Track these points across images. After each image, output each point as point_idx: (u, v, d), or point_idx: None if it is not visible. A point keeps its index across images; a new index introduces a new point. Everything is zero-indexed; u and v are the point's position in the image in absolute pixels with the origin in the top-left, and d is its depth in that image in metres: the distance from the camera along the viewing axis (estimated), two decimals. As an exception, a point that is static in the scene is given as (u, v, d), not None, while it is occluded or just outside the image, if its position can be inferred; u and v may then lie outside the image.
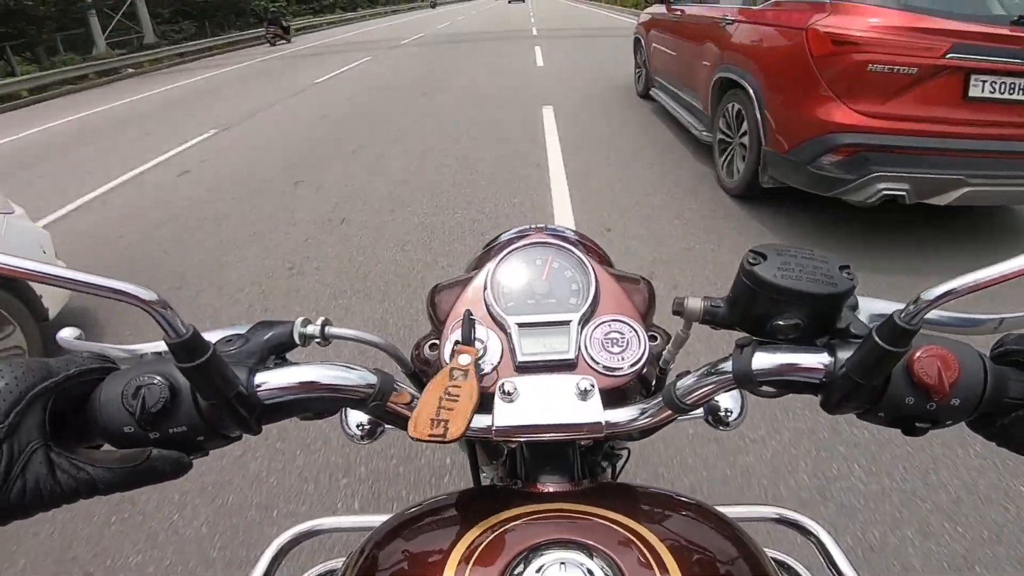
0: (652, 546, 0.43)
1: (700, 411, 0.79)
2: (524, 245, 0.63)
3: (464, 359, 0.50)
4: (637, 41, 7.24)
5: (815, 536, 0.67)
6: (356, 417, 0.79)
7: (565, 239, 0.66)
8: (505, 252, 0.63)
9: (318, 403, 0.47)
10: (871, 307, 0.50)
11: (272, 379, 0.45)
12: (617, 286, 0.61)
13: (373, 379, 0.46)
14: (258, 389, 0.44)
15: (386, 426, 0.81)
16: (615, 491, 0.59)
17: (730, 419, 0.78)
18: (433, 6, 46.76)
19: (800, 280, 0.44)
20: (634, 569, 0.41)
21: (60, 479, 0.38)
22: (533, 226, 0.75)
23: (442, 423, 0.44)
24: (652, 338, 0.60)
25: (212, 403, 0.42)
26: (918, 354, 0.41)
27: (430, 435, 0.43)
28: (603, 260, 0.80)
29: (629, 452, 0.88)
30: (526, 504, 0.49)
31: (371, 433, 0.80)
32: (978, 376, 0.42)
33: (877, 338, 0.39)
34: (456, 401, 0.46)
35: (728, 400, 0.79)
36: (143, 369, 0.43)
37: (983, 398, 0.42)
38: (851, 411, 0.45)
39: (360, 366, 0.47)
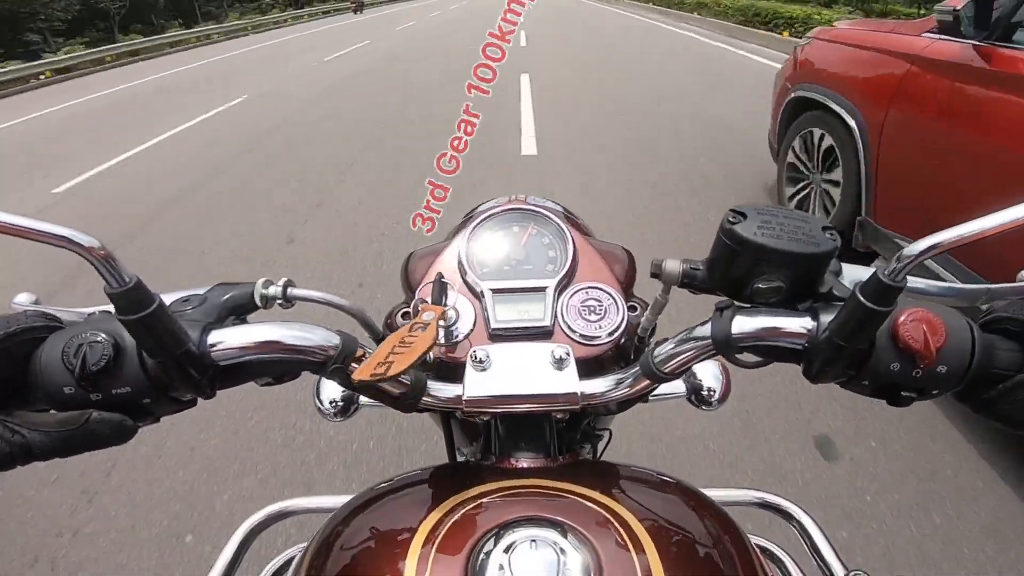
0: (629, 526, 0.42)
1: (682, 389, 0.78)
2: (501, 211, 0.61)
3: (427, 315, 0.47)
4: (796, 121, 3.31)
5: (797, 521, 0.65)
6: (329, 392, 0.77)
7: (545, 208, 0.64)
8: (481, 218, 0.61)
9: (277, 365, 0.44)
10: (855, 274, 0.48)
11: (227, 338, 0.42)
12: (596, 254, 0.59)
13: (336, 340, 0.44)
14: (212, 349, 0.41)
15: (361, 403, 0.78)
16: (592, 468, 0.57)
17: (712, 398, 0.77)
18: (358, 9, 33.60)
19: (781, 239, 0.42)
20: (610, 549, 0.40)
21: None
22: (513, 196, 0.73)
23: (386, 364, 0.41)
24: (632, 308, 0.58)
25: (159, 362, 0.39)
26: (903, 317, 0.39)
27: (372, 375, 0.40)
28: (583, 230, 0.78)
29: (611, 433, 0.86)
30: (498, 480, 0.47)
31: (344, 410, 0.78)
32: (965, 342, 0.40)
33: (860, 296, 0.37)
34: (408, 347, 0.43)
35: (710, 378, 0.77)
36: (87, 326, 0.40)
37: (970, 367, 0.40)
38: (833, 379, 0.43)
39: (323, 327, 0.45)
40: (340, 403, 0.77)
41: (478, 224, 0.60)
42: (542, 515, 0.42)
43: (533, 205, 0.64)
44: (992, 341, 0.41)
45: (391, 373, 0.40)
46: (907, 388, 0.41)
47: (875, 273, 0.37)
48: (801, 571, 0.62)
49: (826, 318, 0.42)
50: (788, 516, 0.67)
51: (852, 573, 0.53)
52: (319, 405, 0.77)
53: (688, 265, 0.47)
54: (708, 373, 0.77)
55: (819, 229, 0.43)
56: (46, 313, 0.43)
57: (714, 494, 0.67)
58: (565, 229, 0.59)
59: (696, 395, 0.77)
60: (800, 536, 0.65)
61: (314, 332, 0.44)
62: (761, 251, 0.42)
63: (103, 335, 0.39)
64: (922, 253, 0.35)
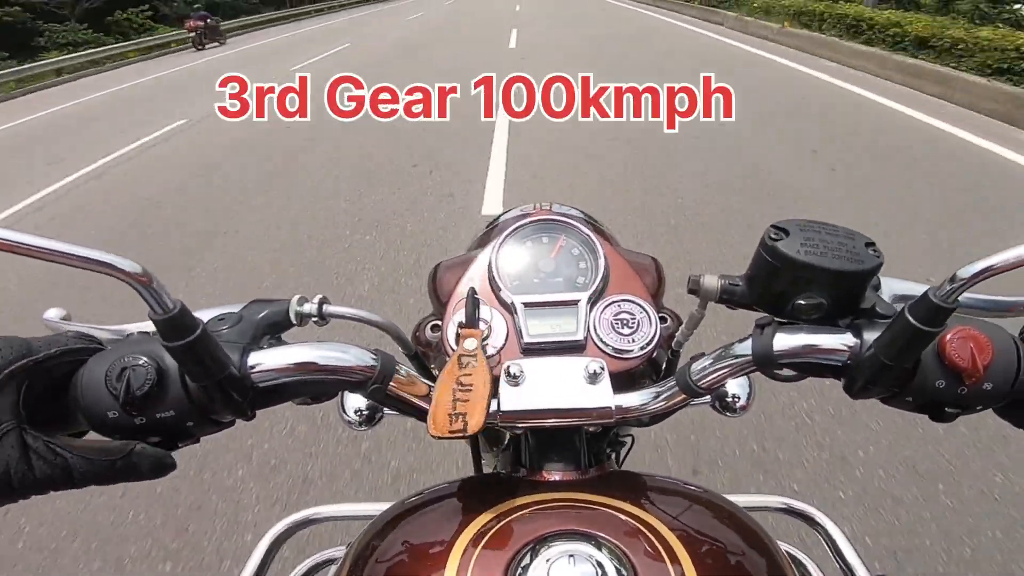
0: (663, 536, 0.42)
1: (706, 396, 0.77)
2: (530, 223, 0.61)
3: (470, 343, 0.47)
4: None
5: (822, 527, 0.65)
6: (354, 402, 0.77)
7: (571, 217, 0.63)
8: (510, 230, 0.60)
9: (315, 386, 0.44)
10: (895, 287, 0.48)
11: (266, 360, 0.42)
12: (627, 265, 0.59)
13: (373, 360, 0.44)
14: (251, 371, 0.41)
15: (386, 412, 0.78)
16: (622, 479, 0.57)
17: (737, 404, 0.76)
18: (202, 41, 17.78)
19: (824, 256, 0.42)
20: (644, 561, 0.40)
21: (34, 464, 0.35)
22: (537, 205, 0.73)
23: (460, 417, 0.42)
24: (662, 319, 0.58)
25: (202, 385, 0.39)
26: (950, 336, 0.39)
27: (450, 431, 0.42)
28: (609, 239, 0.77)
29: (633, 439, 0.86)
30: (532, 493, 0.47)
31: (370, 419, 0.78)
32: (1011, 360, 0.40)
33: (910, 316, 0.37)
34: (470, 391, 0.44)
35: (735, 385, 0.77)
36: (129, 349, 0.40)
37: (1015, 383, 0.40)
38: (877, 395, 0.43)
39: (359, 346, 0.45)
40: (365, 412, 0.77)
41: (507, 236, 0.60)
42: (577, 528, 0.42)
43: (559, 215, 0.63)
44: None
45: (472, 430, 0.42)
46: (952, 405, 0.41)
47: (926, 293, 0.37)
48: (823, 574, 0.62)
49: (869, 335, 0.41)
50: (812, 522, 0.67)
51: None
52: (344, 415, 0.77)
53: (727, 281, 0.47)
54: (734, 381, 0.77)
55: (863, 246, 0.43)
56: (87, 335, 0.43)
57: (738, 500, 0.66)
58: (595, 240, 0.59)
59: (721, 402, 0.76)
60: (824, 541, 0.65)
61: (350, 352, 0.44)
62: (804, 269, 0.42)
63: (144, 359, 0.39)
64: (976, 275, 0.35)
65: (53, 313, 0.51)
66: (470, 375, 0.45)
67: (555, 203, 0.75)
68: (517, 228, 0.60)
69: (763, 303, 0.46)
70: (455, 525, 0.44)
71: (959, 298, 0.36)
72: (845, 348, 0.42)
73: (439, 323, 0.59)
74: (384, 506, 0.55)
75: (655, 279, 0.62)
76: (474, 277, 0.57)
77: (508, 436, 0.70)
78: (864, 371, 0.41)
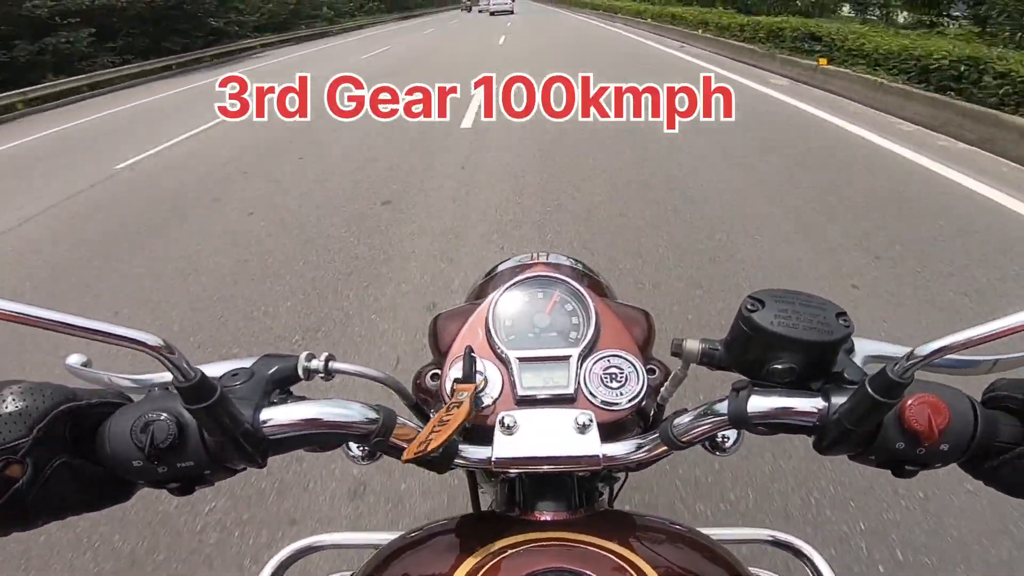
0: (645, 574, 0.45)
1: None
2: (526, 278, 0.65)
3: (462, 396, 0.51)
4: None
5: (808, 558, 0.68)
6: None
7: (566, 270, 0.67)
8: (507, 285, 0.64)
9: (322, 438, 0.48)
10: (867, 348, 0.51)
11: (277, 416, 0.46)
12: (616, 319, 0.62)
13: (375, 415, 0.48)
14: (264, 425, 0.45)
15: None
16: (612, 519, 0.60)
17: (727, 445, 0.79)
18: None
19: (796, 328, 0.45)
20: None
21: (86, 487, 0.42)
22: (535, 255, 0.76)
23: (427, 441, 0.45)
24: (651, 371, 0.61)
25: (218, 440, 0.43)
26: (910, 401, 0.42)
27: (415, 453, 0.45)
28: (603, 289, 0.81)
29: (626, 476, 0.89)
30: (525, 532, 0.51)
31: (371, 455, 0.81)
32: (968, 422, 0.43)
33: (870, 389, 0.40)
34: (445, 424, 0.47)
35: None
36: (152, 405, 0.44)
37: (972, 442, 0.43)
38: (843, 453, 0.46)
39: (362, 402, 0.48)
40: (367, 449, 0.80)
41: (504, 292, 0.63)
42: (566, 567, 0.45)
43: (554, 271, 0.67)
44: (995, 417, 0.44)
45: (431, 448, 0.45)
46: (911, 463, 0.44)
47: (884, 369, 0.40)
48: None
49: (837, 400, 0.45)
50: (799, 553, 0.69)
51: None
52: (347, 451, 0.81)
53: (707, 345, 0.51)
54: None
55: (833, 316, 0.46)
56: (115, 388, 0.47)
57: (725, 533, 0.69)
58: (587, 296, 0.62)
59: (711, 442, 0.79)
60: (811, 573, 0.67)
61: (353, 408, 0.47)
62: (777, 339, 0.45)
63: (166, 415, 0.43)
64: (931, 354, 0.38)
65: (75, 360, 0.55)
66: (451, 415, 0.48)
67: (552, 252, 0.78)
68: (513, 285, 0.64)
69: (740, 367, 0.49)
70: (451, 561, 0.47)
71: (912, 375, 0.39)
72: (815, 411, 0.45)
73: (438, 372, 0.62)
74: (387, 536, 0.59)
75: (645, 331, 0.66)
76: (472, 331, 0.61)
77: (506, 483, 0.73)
78: (831, 433, 0.44)
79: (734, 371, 0.50)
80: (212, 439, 0.43)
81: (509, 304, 0.63)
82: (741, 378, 0.49)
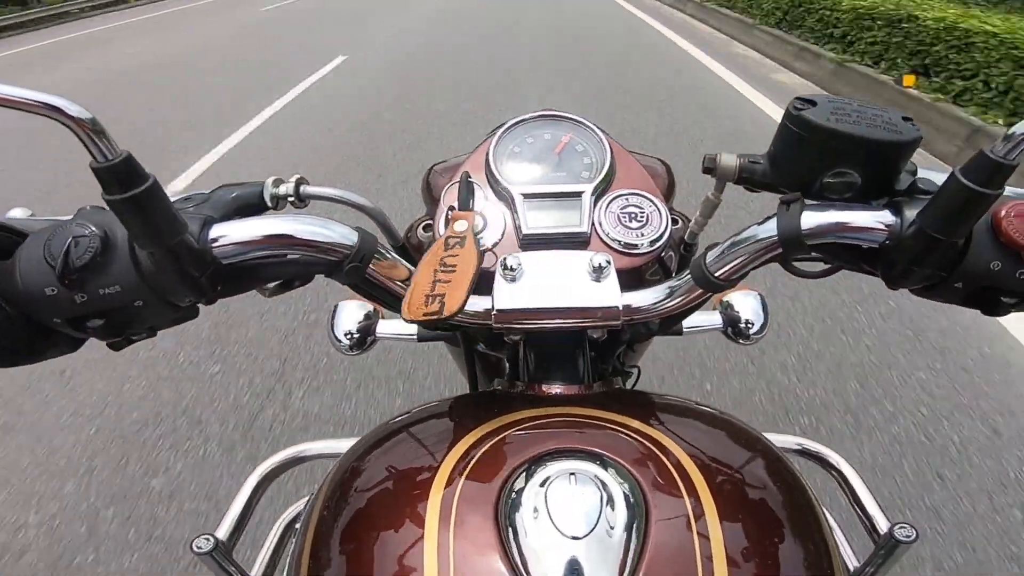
0: (679, 460, 0.37)
1: (718, 322, 0.73)
2: (532, 118, 0.56)
3: (460, 225, 0.42)
4: None
5: (837, 470, 0.61)
6: (345, 324, 0.73)
7: (576, 117, 0.58)
8: (512, 122, 0.55)
9: (287, 266, 0.40)
10: (933, 177, 0.43)
11: (232, 232, 0.37)
12: (634, 162, 0.54)
13: (353, 237, 0.39)
14: (214, 244, 0.37)
15: (378, 335, 0.75)
16: (631, 397, 0.53)
17: (751, 331, 0.72)
18: None
19: (859, 125, 0.37)
20: (657, 486, 0.35)
21: None
22: (544, 108, 0.67)
23: (437, 299, 0.37)
24: (673, 221, 0.53)
25: (151, 254, 0.34)
26: (1004, 210, 0.35)
27: (425, 314, 0.36)
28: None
29: (639, 371, 0.82)
30: (528, 408, 0.43)
31: (361, 343, 0.74)
32: None
33: (963, 178, 0.32)
34: (452, 272, 0.39)
35: (749, 310, 0.72)
36: (73, 220, 0.35)
37: None
38: (920, 282, 0.38)
39: (338, 221, 0.40)
40: (356, 335, 0.73)
41: (507, 129, 0.55)
42: (579, 446, 0.38)
43: (564, 113, 0.58)
44: None
45: (449, 311, 0.36)
46: (1007, 292, 0.36)
47: (981, 151, 0.32)
48: (838, 523, 0.58)
49: (911, 212, 0.36)
50: (828, 465, 0.63)
51: (897, 526, 0.49)
52: (334, 338, 0.74)
53: (746, 159, 0.42)
54: (747, 305, 0.73)
55: (900, 118, 0.38)
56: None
57: None
58: (601, 136, 0.53)
59: (733, 328, 0.72)
60: (840, 486, 0.60)
61: (330, 227, 0.39)
62: (837, 138, 0.37)
63: (92, 227, 0.35)
64: None
65: (17, 212, 0.46)
66: (455, 255, 0.40)
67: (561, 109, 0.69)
68: (519, 122, 0.55)
69: (787, 182, 0.41)
70: (442, 447, 0.40)
71: (1017, 157, 0.31)
72: (883, 226, 0.37)
73: (431, 222, 0.54)
74: None
75: (665, 181, 0.57)
76: (471, 169, 0.53)
77: (507, 359, 0.66)
78: (907, 251, 0.36)
79: (780, 191, 0.42)
80: (145, 256, 0.35)
81: (513, 142, 0.54)
82: (789, 194, 0.41)
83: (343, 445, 0.68)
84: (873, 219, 0.37)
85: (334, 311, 0.74)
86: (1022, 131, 0.31)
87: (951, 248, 0.35)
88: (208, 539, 0.48)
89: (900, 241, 0.36)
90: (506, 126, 0.55)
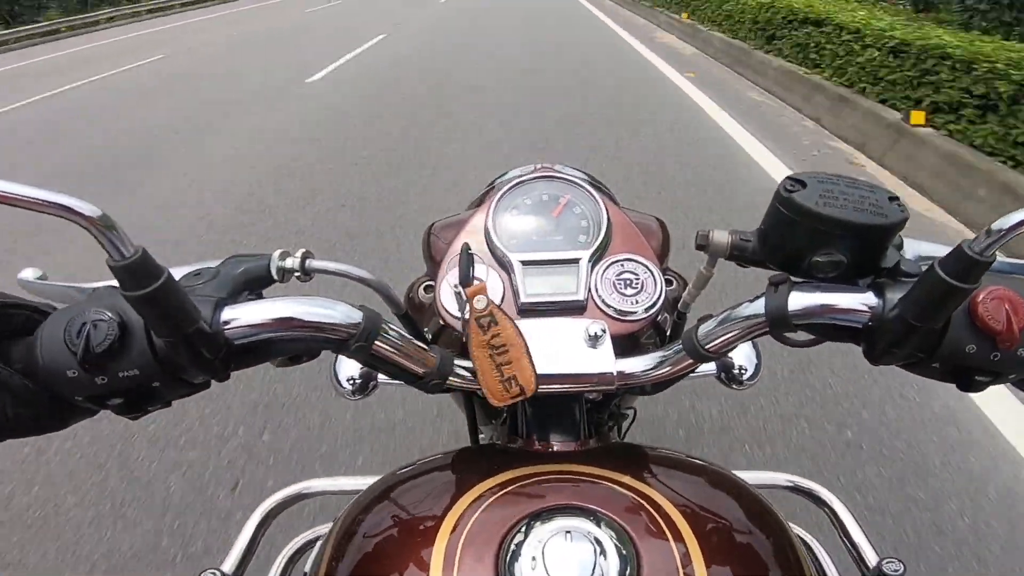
0: (666, 513, 0.39)
1: (712, 368, 0.74)
2: (530, 179, 0.57)
3: (480, 302, 0.44)
4: None
5: (828, 506, 0.62)
6: (347, 371, 0.75)
7: (574, 176, 0.60)
8: (509, 186, 0.57)
9: (295, 344, 0.41)
10: (919, 249, 0.45)
11: (242, 315, 0.39)
12: (630, 224, 0.55)
13: (358, 316, 0.41)
14: (225, 327, 0.38)
15: (380, 381, 0.76)
16: (624, 452, 0.55)
17: (744, 377, 0.74)
18: None
19: (845, 209, 0.38)
20: (646, 538, 0.37)
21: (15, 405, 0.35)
22: (539, 165, 0.69)
23: (512, 380, 0.42)
24: (668, 282, 0.55)
25: (168, 342, 0.36)
26: (981, 296, 0.36)
27: (512, 398, 0.43)
28: (613, 200, 0.74)
29: (635, 412, 0.84)
30: (527, 465, 0.45)
31: (363, 388, 0.75)
32: None
33: (940, 271, 0.34)
34: (507, 351, 0.43)
35: (742, 357, 0.74)
36: (89, 304, 0.37)
37: None
38: (900, 360, 0.39)
39: (344, 302, 0.42)
40: (358, 381, 0.74)
41: (505, 192, 0.56)
42: (575, 503, 0.40)
43: (561, 173, 0.60)
44: None
45: (530, 390, 0.43)
46: (982, 372, 0.38)
47: (959, 246, 0.33)
48: (830, 557, 0.59)
49: (893, 295, 0.38)
50: (819, 501, 0.64)
51: (885, 561, 0.50)
52: (336, 383, 0.75)
53: (738, 236, 0.44)
54: (740, 352, 0.74)
55: (886, 199, 0.39)
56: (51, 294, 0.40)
57: (742, 476, 0.64)
58: (598, 198, 0.55)
59: (727, 374, 0.74)
60: (831, 521, 0.62)
61: (335, 308, 0.41)
62: (823, 222, 0.38)
63: (108, 313, 0.36)
64: (1014, 227, 0.32)
65: (28, 273, 0.48)
66: (498, 334, 0.43)
67: (557, 164, 0.71)
68: (517, 184, 0.57)
69: (777, 260, 0.42)
70: (446, 498, 0.42)
71: (995, 253, 0.33)
72: (866, 308, 0.39)
73: (432, 284, 0.56)
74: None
75: (660, 241, 0.59)
76: (470, 235, 0.54)
77: (506, 407, 0.68)
78: (887, 334, 0.38)
79: (769, 267, 0.43)
80: (161, 343, 0.36)
81: (510, 206, 0.56)
82: (778, 273, 0.42)
83: (348, 483, 0.70)
84: (857, 301, 0.39)
85: (335, 358, 0.75)
86: (1001, 227, 0.32)
87: (930, 333, 0.37)
88: (214, 573, 0.49)
89: (882, 323, 0.38)
90: (504, 189, 0.56)
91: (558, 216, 0.55)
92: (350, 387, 0.74)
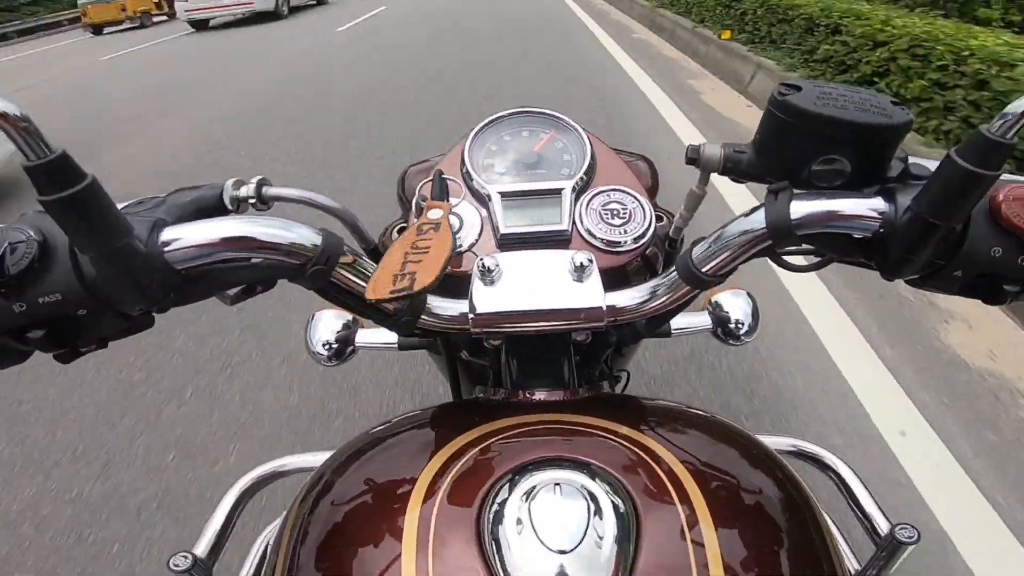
0: (669, 467, 0.35)
1: (707, 323, 0.71)
2: (509, 114, 0.54)
3: (434, 213, 0.39)
4: None
5: (835, 471, 0.59)
6: (322, 334, 0.71)
7: (554, 112, 0.56)
8: (487, 120, 0.53)
9: (246, 271, 0.37)
10: (925, 163, 0.41)
11: (185, 235, 0.34)
12: (617, 159, 0.52)
13: (317, 239, 0.37)
14: (165, 249, 0.34)
15: (357, 344, 0.72)
16: (619, 402, 0.51)
17: (741, 331, 0.70)
18: None
19: (847, 110, 0.35)
20: (647, 495, 0.33)
21: None
22: (521, 105, 0.66)
23: (407, 276, 0.34)
24: (658, 218, 0.51)
25: (94, 259, 0.31)
26: (1003, 194, 0.33)
27: (392, 291, 0.33)
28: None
29: (628, 375, 0.80)
30: (512, 416, 0.41)
31: (339, 353, 0.71)
32: None
33: (959, 159, 0.30)
34: (425, 253, 0.36)
35: (738, 310, 0.71)
36: (11, 224, 0.33)
37: None
38: (917, 270, 0.36)
39: (302, 223, 0.37)
40: (335, 345, 0.70)
41: (484, 126, 0.52)
42: (565, 455, 0.36)
43: (543, 110, 0.56)
44: None
45: (419, 286, 0.33)
46: (1010, 279, 0.34)
47: (979, 130, 0.30)
48: (836, 526, 0.56)
49: (904, 198, 0.35)
50: (824, 466, 0.61)
51: (898, 527, 0.47)
52: (312, 349, 0.71)
53: (731, 148, 0.40)
54: (736, 306, 0.71)
55: (888, 102, 0.36)
56: None
57: None
58: (581, 132, 0.52)
59: (723, 328, 0.70)
60: (838, 487, 0.58)
61: (291, 228, 0.36)
62: (824, 123, 0.35)
63: (30, 231, 0.32)
64: None
65: None
66: (428, 239, 0.37)
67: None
68: (497, 119, 0.53)
69: (774, 171, 0.39)
70: (421, 458, 0.38)
71: (1015, 137, 0.30)
72: (876, 214, 0.35)
73: (406, 226, 0.52)
74: None
75: (649, 178, 0.56)
76: (445, 168, 0.50)
77: (490, 365, 0.64)
78: (902, 239, 0.34)
79: (767, 181, 0.40)
80: (87, 262, 0.32)
81: (489, 140, 0.52)
82: (777, 183, 0.39)
83: (324, 459, 0.65)
84: (865, 206, 0.35)
85: (310, 320, 0.71)
86: (1016, 110, 0.29)
87: (949, 234, 0.33)
88: (186, 556, 0.45)
89: (895, 229, 0.34)
90: (483, 123, 0.53)
91: (539, 151, 0.51)
92: (326, 352, 0.70)
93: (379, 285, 0.33)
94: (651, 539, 0.31)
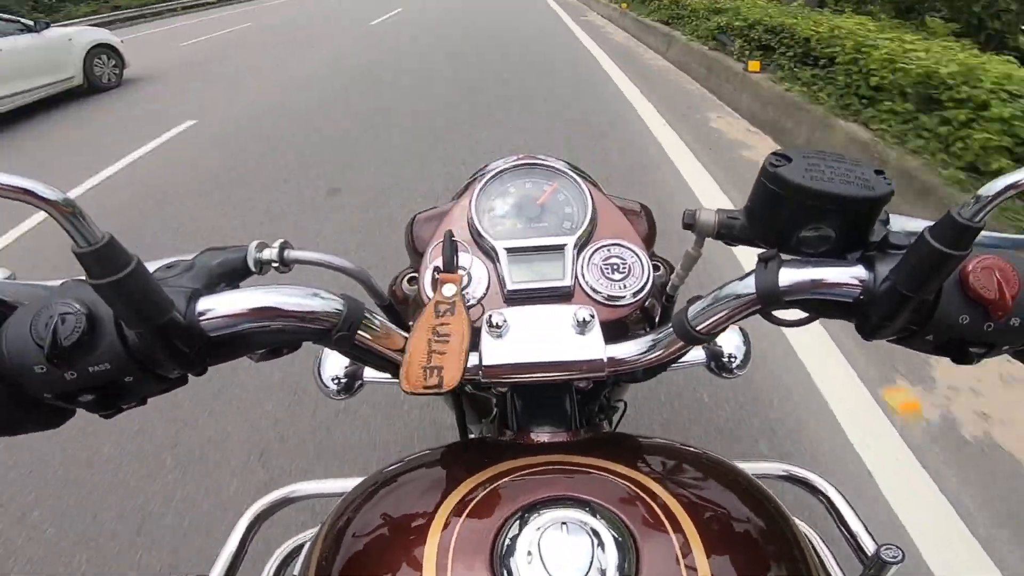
0: (664, 502, 0.38)
1: (702, 356, 0.74)
2: (513, 167, 0.57)
3: (448, 290, 0.43)
4: None
5: (823, 495, 0.62)
6: (331, 369, 0.73)
7: (555, 164, 0.59)
8: (492, 174, 0.56)
9: (274, 335, 0.40)
10: (904, 224, 0.44)
11: (218, 305, 0.37)
12: (616, 210, 0.55)
13: (339, 305, 0.40)
14: (201, 318, 0.37)
15: (365, 380, 0.74)
16: (617, 441, 0.54)
17: (734, 365, 0.73)
18: None
19: (832, 182, 0.38)
20: (644, 528, 0.36)
21: None
22: (521, 155, 0.68)
23: (435, 371, 0.38)
24: (655, 268, 0.54)
25: (140, 334, 0.34)
26: (972, 265, 0.36)
27: (424, 387, 0.38)
28: (597, 188, 0.73)
29: (626, 405, 0.83)
30: (518, 457, 0.44)
31: (348, 387, 0.74)
32: None
33: (931, 238, 0.33)
34: (447, 342, 0.40)
35: (731, 345, 0.73)
36: (57, 296, 0.35)
37: None
38: (893, 334, 0.39)
39: (324, 290, 0.40)
40: (343, 380, 0.73)
41: (488, 181, 0.55)
42: (570, 494, 0.39)
43: (545, 161, 0.59)
44: None
45: (448, 385, 0.38)
46: (975, 343, 0.37)
47: (949, 213, 0.33)
48: (827, 547, 0.58)
49: (883, 268, 0.38)
50: (814, 489, 0.63)
51: (883, 547, 0.50)
52: (321, 383, 0.73)
53: (725, 215, 0.43)
54: (729, 340, 0.74)
55: (872, 172, 0.39)
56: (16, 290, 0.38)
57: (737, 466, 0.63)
58: (582, 185, 0.54)
59: (716, 362, 0.73)
60: (827, 510, 0.61)
61: (315, 296, 0.39)
62: (810, 195, 0.38)
63: (76, 305, 0.34)
64: (1001, 192, 0.31)
65: None
66: (447, 324, 0.41)
67: (539, 154, 0.70)
68: (501, 172, 0.56)
69: (765, 237, 0.42)
70: (437, 494, 0.40)
71: (984, 220, 0.33)
72: (857, 282, 0.38)
73: (416, 275, 0.55)
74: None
75: (646, 226, 0.58)
76: (453, 224, 0.53)
77: (495, 403, 0.67)
78: (879, 306, 0.37)
79: (758, 245, 0.43)
80: (133, 335, 0.35)
81: (494, 194, 0.55)
82: (767, 251, 0.42)
83: (336, 485, 0.68)
84: (848, 275, 0.38)
85: (320, 356, 0.74)
86: (988, 193, 0.32)
87: (922, 304, 0.36)
88: None
89: (873, 297, 0.37)
90: (487, 178, 0.56)
91: (543, 204, 0.54)
92: (335, 386, 0.72)
93: (412, 378, 0.38)
94: (649, 567, 0.34)
